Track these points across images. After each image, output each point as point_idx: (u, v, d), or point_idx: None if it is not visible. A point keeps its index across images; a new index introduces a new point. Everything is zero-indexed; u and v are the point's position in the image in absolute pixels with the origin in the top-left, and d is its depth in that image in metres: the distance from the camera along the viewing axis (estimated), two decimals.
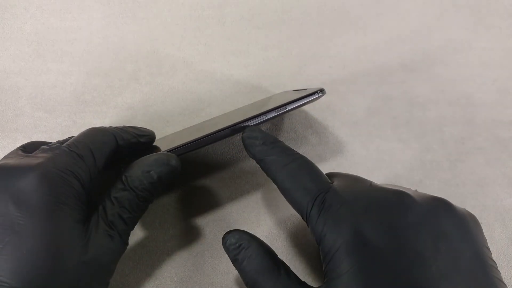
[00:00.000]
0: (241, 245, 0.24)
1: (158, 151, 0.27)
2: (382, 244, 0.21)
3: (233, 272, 0.28)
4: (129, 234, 0.24)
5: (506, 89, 0.40)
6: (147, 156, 0.25)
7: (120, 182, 0.24)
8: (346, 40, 0.44)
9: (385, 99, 0.39)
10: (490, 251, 0.22)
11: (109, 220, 0.23)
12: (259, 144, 0.26)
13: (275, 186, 0.32)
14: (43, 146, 0.25)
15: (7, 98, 0.36)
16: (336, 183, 0.24)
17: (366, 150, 0.35)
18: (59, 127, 0.35)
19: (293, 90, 0.35)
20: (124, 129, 0.28)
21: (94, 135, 0.25)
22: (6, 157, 0.25)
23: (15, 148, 0.32)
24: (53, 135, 0.35)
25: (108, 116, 0.36)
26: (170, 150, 0.26)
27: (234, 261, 0.24)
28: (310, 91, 0.29)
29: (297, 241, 0.29)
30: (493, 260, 0.22)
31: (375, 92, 0.39)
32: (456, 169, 0.34)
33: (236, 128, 0.27)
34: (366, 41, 0.44)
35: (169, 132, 0.36)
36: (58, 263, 0.20)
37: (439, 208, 0.22)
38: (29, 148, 0.27)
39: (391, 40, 0.44)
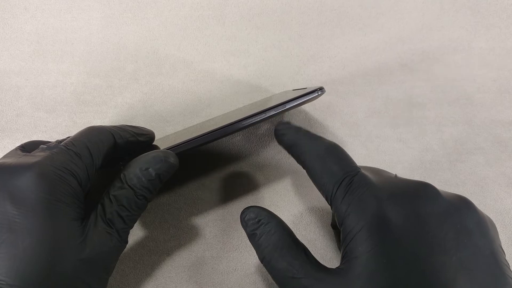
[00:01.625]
0: (260, 220, 0.24)
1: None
2: (405, 228, 0.21)
3: (233, 272, 0.28)
4: (128, 233, 0.24)
5: (506, 89, 0.40)
6: (145, 154, 0.25)
7: (118, 180, 0.24)
8: (346, 40, 0.44)
9: (385, 99, 0.39)
10: (505, 253, 0.23)
11: (107, 218, 0.23)
12: (292, 132, 0.26)
13: (275, 187, 0.32)
14: (41, 146, 0.25)
15: (7, 98, 0.36)
16: (363, 170, 0.24)
17: (366, 150, 0.35)
18: (59, 127, 0.35)
19: (293, 90, 0.35)
20: (122, 128, 0.28)
21: (92, 134, 0.26)
22: (5, 156, 0.25)
23: (15, 146, 0.32)
24: (53, 135, 0.35)
25: (108, 116, 0.36)
26: (170, 148, 0.26)
27: (251, 236, 0.24)
28: (310, 90, 0.29)
29: None
30: (507, 261, 0.22)
31: (375, 92, 0.39)
32: (456, 169, 0.34)
33: (232, 128, 0.27)
34: (365, 41, 0.44)
35: (169, 132, 0.36)
36: (55, 260, 0.20)
37: (462, 204, 0.23)
38: (29, 147, 0.27)
39: (390, 40, 0.44)
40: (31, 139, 0.33)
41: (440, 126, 0.37)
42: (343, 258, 0.22)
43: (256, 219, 0.24)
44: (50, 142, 0.27)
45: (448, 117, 0.37)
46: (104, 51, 0.41)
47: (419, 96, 0.39)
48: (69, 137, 0.26)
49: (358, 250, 0.21)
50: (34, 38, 0.41)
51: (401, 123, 0.37)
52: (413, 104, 0.38)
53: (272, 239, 0.23)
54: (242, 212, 0.25)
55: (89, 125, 0.27)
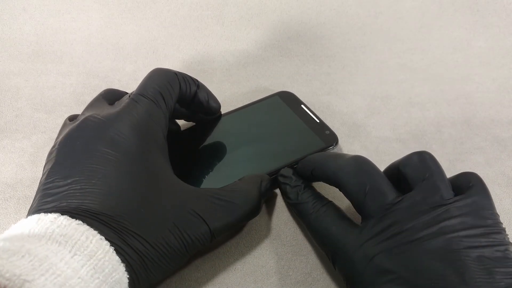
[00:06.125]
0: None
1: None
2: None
3: (233, 271, 0.28)
4: None
5: (505, 88, 0.40)
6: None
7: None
8: (345, 39, 0.44)
9: (384, 99, 0.39)
10: None
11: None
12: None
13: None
14: (124, 97, 0.27)
15: (7, 98, 0.36)
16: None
17: (365, 151, 0.35)
18: (59, 127, 0.35)
19: (303, 105, 0.35)
20: (184, 74, 0.29)
21: (160, 78, 0.27)
22: (92, 105, 0.27)
23: (15, 147, 0.32)
24: (53, 136, 0.35)
25: None
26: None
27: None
28: (327, 143, 0.32)
29: (297, 240, 0.29)
30: None
31: (374, 92, 0.39)
32: (456, 169, 0.34)
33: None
34: (365, 41, 0.44)
35: None
36: (144, 196, 0.22)
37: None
38: (109, 95, 0.29)
39: (390, 40, 0.44)
40: (31, 140, 0.33)
41: (439, 126, 0.37)
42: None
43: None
44: (127, 93, 0.29)
45: (447, 116, 0.37)
46: (104, 52, 0.41)
47: (418, 95, 0.39)
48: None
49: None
50: (33, 38, 0.41)
51: (400, 123, 0.37)
52: (412, 104, 0.38)
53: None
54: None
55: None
